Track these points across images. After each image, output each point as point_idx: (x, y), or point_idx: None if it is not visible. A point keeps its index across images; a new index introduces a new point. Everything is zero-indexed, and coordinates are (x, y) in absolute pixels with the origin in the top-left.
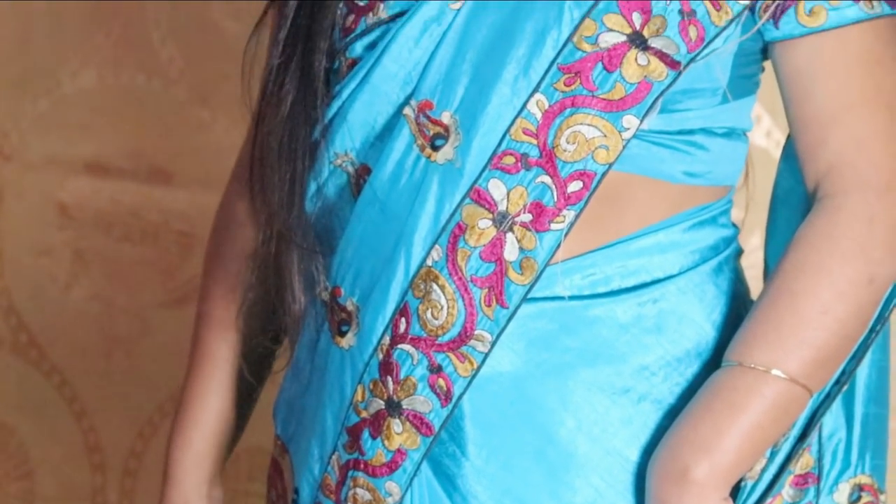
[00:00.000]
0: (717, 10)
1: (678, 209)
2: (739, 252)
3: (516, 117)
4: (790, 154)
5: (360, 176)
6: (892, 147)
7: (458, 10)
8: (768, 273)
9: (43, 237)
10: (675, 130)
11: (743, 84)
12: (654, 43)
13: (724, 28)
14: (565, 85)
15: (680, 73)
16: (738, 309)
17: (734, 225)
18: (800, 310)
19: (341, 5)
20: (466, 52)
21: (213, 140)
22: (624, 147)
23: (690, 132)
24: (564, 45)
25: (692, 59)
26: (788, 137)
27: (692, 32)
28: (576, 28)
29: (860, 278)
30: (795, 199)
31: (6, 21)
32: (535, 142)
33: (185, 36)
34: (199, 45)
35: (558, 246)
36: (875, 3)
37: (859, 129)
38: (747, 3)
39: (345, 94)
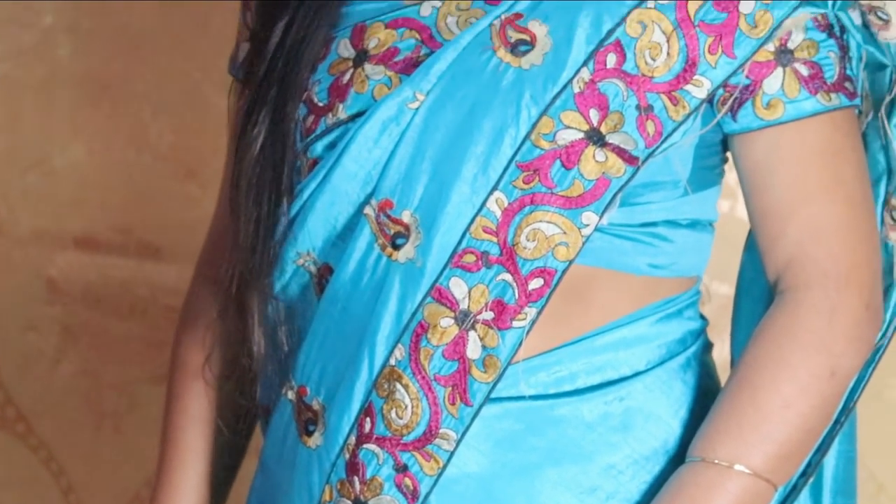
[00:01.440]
0: (675, 105)
1: (644, 302)
2: (709, 345)
3: (476, 215)
4: (752, 246)
5: (323, 275)
6: (851, 239)
7: (417, 109)
8: (733, 365)
9: (31, 312)
10: (638, 223)
11: (705, 175)
12: (612, 139)
13: (682, 122)
14: (524, 182)
15: (638, 169)
16: (706, 405)
17: (702, 317)
18: (761, 404)
19: (301, 106)
20: (425, 150)
21: (203, 215)
22: (584, 243)
23: (653, 224)
24: (522, 142)
25: (650, 154)
26: (751, 230)
27: (650, 127)
28: (533, 125)
29: (822, 372)
30: (758, 291)
31: None
32: (495, 239)
33: (175, 111)
34: (189, 120)
35: (520, 343)
36: (833, 95)
37: (818, 220)
38: (703, 97)
39: (305, 194)
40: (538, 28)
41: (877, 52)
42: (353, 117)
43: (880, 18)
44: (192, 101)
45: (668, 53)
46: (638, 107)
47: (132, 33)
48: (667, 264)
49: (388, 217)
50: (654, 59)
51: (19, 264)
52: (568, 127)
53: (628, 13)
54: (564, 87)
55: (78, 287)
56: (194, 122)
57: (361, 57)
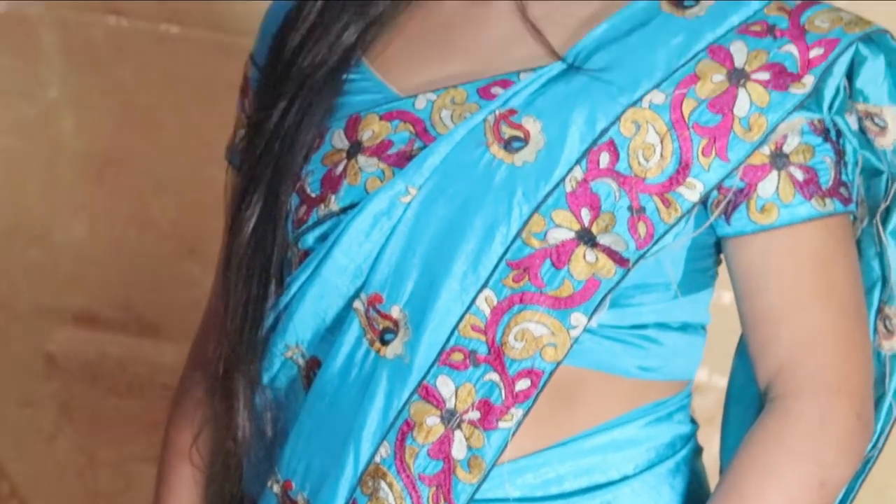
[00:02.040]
0: (667, 207)
1: (633, 405)
2: (698, 450)
3: (465, 313)
4: (743, 351)
5: (311, 369)
6: (843, 347)
7: (409, 203)
8: (721, 471)
9: (29, 387)
10: (628, 325)
11: (698, 278)
12: (603, 239)
13: (674, 225)
14: (514, 281)
15: (629, 271)
16: None
17: (693, 421)
18: None
19: (294, 196)
20: (416, 245)
21: (203, 294)
22: (572, 345)
23: (644, 326)
24: (513, 240)
25: (641, 256)
26: (742, 335)
27: (641, 229)
28: (524, 223)
29: (811, 482)
30: (748, 398)
31: (0, 169)
32: (483, 338)
33: (178, 188)
34: (192, 198)
35: (506, 445)
36: (827, 201)
37: (811, 327)
38: (696, 200)
39: (295, 286)
40: (532, 125)
41: (873, 157)
42: (345, 209)
43: (877, 125)
44: (195, 179)
45: (661, 155)
46: (630, 208)
47: (137, 109)
48: (657, 367)
49: (378, 312)
50: (647, 160)
51: (18, 339)
52: (559, 226)
53: (623, 112)
54: (557, 185)
55: (76, 363)
56: (197, 200)
57: (355, 148)
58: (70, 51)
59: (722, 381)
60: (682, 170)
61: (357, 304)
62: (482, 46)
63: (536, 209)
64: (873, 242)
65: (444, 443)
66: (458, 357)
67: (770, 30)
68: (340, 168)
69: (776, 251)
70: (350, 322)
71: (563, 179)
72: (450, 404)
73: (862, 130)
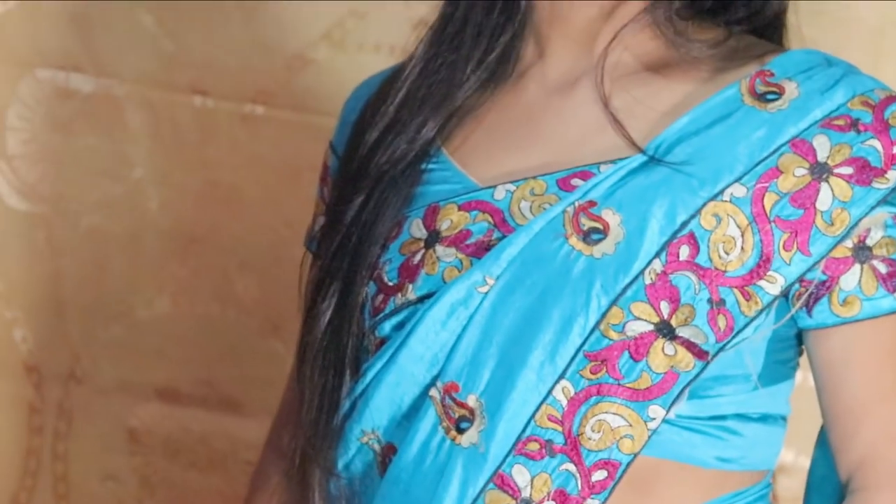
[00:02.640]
0: (747, 300)
1: (711, 495)
2: None
3: (541, 403)
4: (824, 441)
5: (386, 455)
6: None
7: (486, 293)
8: None
9: (111, 461)
10: (707, 416)
11: (778, 370)
12: (682, 332)
13: (754, 318)
14: (591, 372)
15: (707, 364)
16: None
17: None
18: None
19: (371, 284)
20: (493, 335)
21: (285, 371)
22: (650, 437)
23: (723, 417)
24: (591, 332)
25: (721, 349)
26: (822, 426)
27: (721, 322)
28: (603, 315)
29: None
30: (829, 488)
31: (85, 245)
32: (560, 428)
33: (261, 266)
34: (275, 275)
35: None
36: None
37: (892, 422)
38: (777, 293)
39: (371, 373)
40: (611, 217)
41: None
42: (422, 298)
43: None
44: (278, 257)
45: (742, 248)
46: (710, 300)
47: (221, 188)
48: (736, 458)
49: (454, 400)
50: (727, 254)
51: (101, 414)
52: (638, 318)
53: (703, 206)
54: (636, 277)
55: (158, 438)
56: (280, 278)
57: (433, 238)
58: (156, 130)
59: (807, 463)
60: (763, 263)
61: (433, 392)
62: (562, 137)
63: (615, 301)
64: None
65: None
66: (534, 447)
67: (853, 124)
68: (418, 257)
69: (858, 344)
70: (426, 410)
71: (642, 272)
72: (525, 493)
73: None
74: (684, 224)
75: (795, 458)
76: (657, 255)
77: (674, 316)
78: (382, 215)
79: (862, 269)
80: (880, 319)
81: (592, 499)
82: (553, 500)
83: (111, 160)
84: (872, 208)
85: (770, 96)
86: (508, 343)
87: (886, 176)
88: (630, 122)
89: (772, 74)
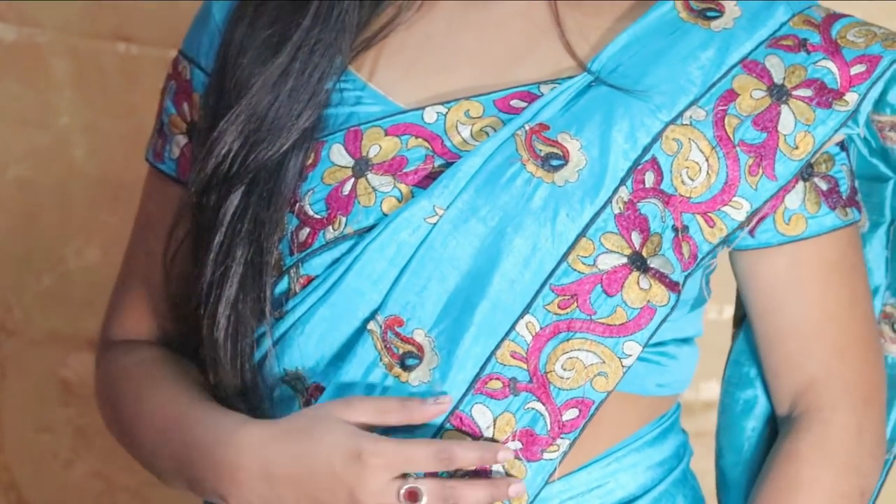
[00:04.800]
0: (711, 227)
1: (645, 421)
2: (691, 456)
3: (503, 339)
4: (740, 366)
5: (312, 395)
6: (871, 355)
7: (436, 223)
8: (728, 482)
9: (45, 413)
10: (651, 343)
11: (703, 291)
12: (653, 263)
13: (717, 245)
14: (559, 307)
15: (680, 296)
16: None
17: (683, 430)
18: None
19: (291, 217)
20: (443, 268)
21: None
22: (624, 374)
23: (664, 343)
24: (558, 264)
25: (687, 278)
26: (734, 353)
27: (685, 250)
28: (571, 247)
29: (853, 492)
30: (743, 408)
31: (13, 196)
32: (525, 366)
33: None
34: None
35: (550, 476)
36: (848, 210)
37: (842, 338)
38: (742, 219)
39: (298, 312)
40: (570, 142)
41: (882, 164)
42: (360, 232)
43: None
44: None
45: (707, 173)
46: (674, 228)
47: (148, 133)
48: (670, 382)
49: (397, 335)
50: (692, 179)
51: (34, 365)
52: (610, 251)
53: (663, 129)
54: (603, 206)
55: (92, 388)
56: None
57: (362, 165)
58: (80, 78)
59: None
60: (728, 188)
61: (372, 326)
62: (489, 55)
63: (583, 233)
64: (882, 247)
65: (482, 474)
66: (496, 385)
67: (802, 44)
68: (348, 187)
69: (803, 263)
70: (363, 346)
71: (609, 200)
72: (487, 434)
73: (868, 138)
74: (646, 149)
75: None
76: (623, 182)
77: (644, 247)
78: (285, 140)
79: (805, 188)
80: (824, 237)
81: (563, 438)
82: (518, 440)
83: (36, 109)
84: (836, 131)
85: (710, 13)
86: (462, 276)
87: (845, 98)
88: (572, 35)
89: None
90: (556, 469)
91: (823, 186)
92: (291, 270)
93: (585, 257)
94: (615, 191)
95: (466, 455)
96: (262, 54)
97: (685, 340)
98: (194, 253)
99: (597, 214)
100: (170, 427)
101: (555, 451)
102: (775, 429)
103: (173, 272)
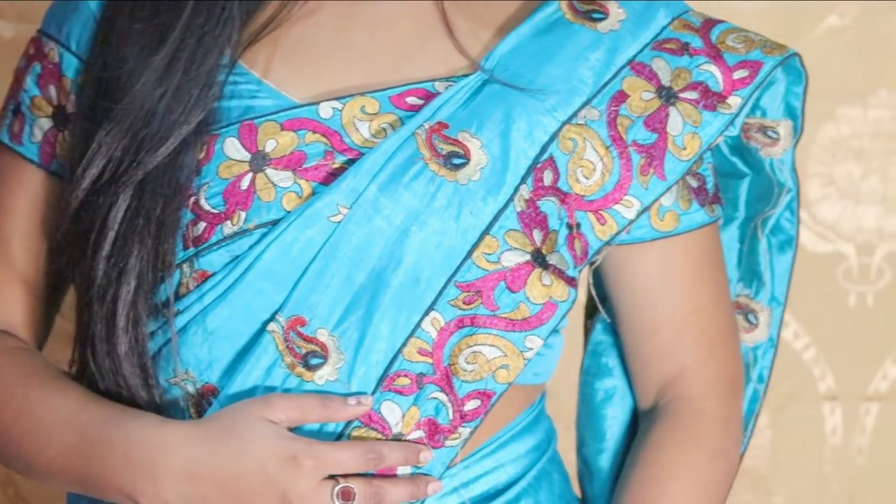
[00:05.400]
0: (602, 224)
1: (522, 408)
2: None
3: (409, 337)
4: (598, 357)
5: (203, 396)
6: (733, 346)
7: (339, 223)
8: (591, 469)
9: None
10: None
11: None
12: (551, 260)
13: (607, 242)
14: (464, 303)
15: (576, 290)
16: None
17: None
18: None
19: (187, 212)
20: (347, 267)
21: None
22: (525, 366)
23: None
24: (463, 262)
25: (578, 273)
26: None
27: (577, 246)
28: (475, 245)
29: (722, 477)
30: (597, 399)
31: None
32: (430, 360)
33: None
34: None
35: (451, 462)
36: (714, 207)
37: (710, 331)
38: (632, 217)
39: (195, 309)
40: (470, 141)
41: (740, 162)
42: (261, 227)
43: (769, 137)
44: None
45: (601, 172)
46: (568, 225)
47: None
48: (544, 371)
49: (299, 335)
50: (587, 178)
51: None
52: (514, 248)
53: (560, 129)
54: (506, 204)
55: None
56: None
57: (260, 160)
58: None
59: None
60: (620, 187)
61: (273, 327)
62: (381, 50)
63: (487, 230)
64: (735, 241)
65: (391, 468)
66: (404, 382)
67: (685, 48)
68: (247, 182)
69: (675, 257)
70: (264, 346)
71: (511, 199)
72: (396, 430)
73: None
74: (544, 147)
75: None
76: (524, 180)
77: (544, 244)
78: (177, 135)
79: (678, 185)
80: (694, 232)
81: (464, 427)
82: (421, 429)
83: None
84: (721, 133)
85: (595, 15)
86: (366, 275)
87: (728, 102)
88: (462, 35)
89: None
90: (456, 455)
91: (694, 184)
92: (184, 265)
93: (490, 254)
94: (517, 189)
95: (392, 455)
96: (145, 48)
97: (557, 330)
98: (75, 248)
99: (500, 212)
100: (59, 424)
101: (456, 439)
102: (635, 417)
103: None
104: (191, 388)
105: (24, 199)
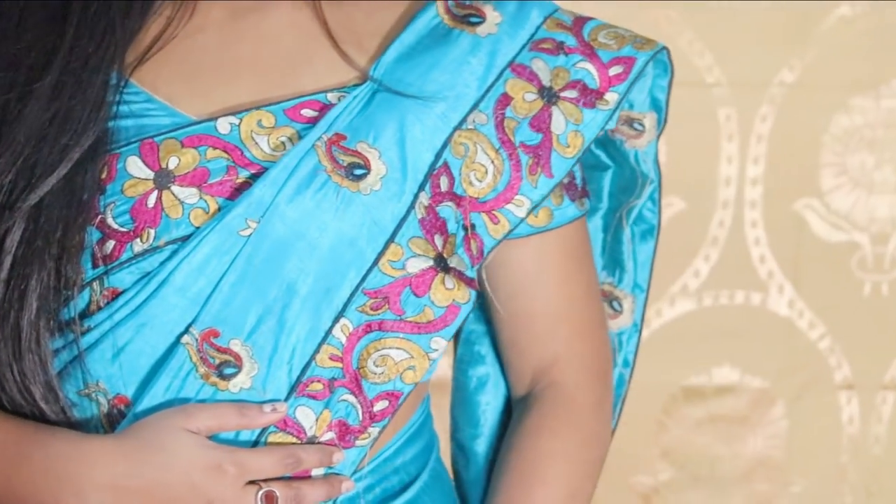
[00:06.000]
0: (495, 224)
1: (415, 407)
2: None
3: (321, 344)
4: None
5: (115, 406)
6: (604, 335)
7: (249, 236)
8: (467, 454)
9: None
10: None
11: None
12: (452, 262)
13: (500, 241)
14: (372, 309)
15: (478, 291)
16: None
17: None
18: (553, 496)
19: (93, 230)
20: (257, 279)
21: None
22: (430, 366)
23: None
24: (369, 270)
25: (477, 272)
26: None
27: (473, 247)
28: (381, 253)
29: (596, 460)
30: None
31: None
32: (340, 365)
33: None
34: None
35: (361, 461)
36: (584, 201)
37: (583, 320)
38: (523, 216)
39: (106, 325)
40: (369, 151)
41: (603, 154)
42: (171, 243)
43: (635, 129)
44: None
45: (493, 175)
46: (464, 227)
47: None
48: (431, 368)
49: (213, 346)
50: (479, 181)
51: None
52: (417, 255)
53: (451, 134)
54: (407, 212)
55: None
56: None
57: (164, 178)
58: None
59: (754, 382)
60: (511, 188)
61: (187, 339)
62: (269, 64)
63: (392, 238)
64: (598, 231)
65: (306, 470)
66: (317, 387)
67: (559, 47)
68: (153, 199)
69: (548, 251)
70: (176, 358)
71: (412, 206)
72: (310, 433)
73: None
74: (438, 154)
75: (741, 378)
76: (422, 187)
77: (445, 248)
78: (69, 159)
79: None
80: (566, 227)
81: (373, 427)
82: (333, 430)
83: None
84: (601, 129)
85: (473, 19)
86: (275, 286)
87: (605, 98)
88: (346, 46)
89: None
90: (366, 455)
91: (565, 180)
92: (94, 283)
93: (395, 262)
94: (416, 196)
95: (309, 458)
96: (31, 71)
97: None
98: None
99: (402, 220)
100: None
101: (366, 439)
102: (508, 403)
103: None
104: (102, 400)
105: None
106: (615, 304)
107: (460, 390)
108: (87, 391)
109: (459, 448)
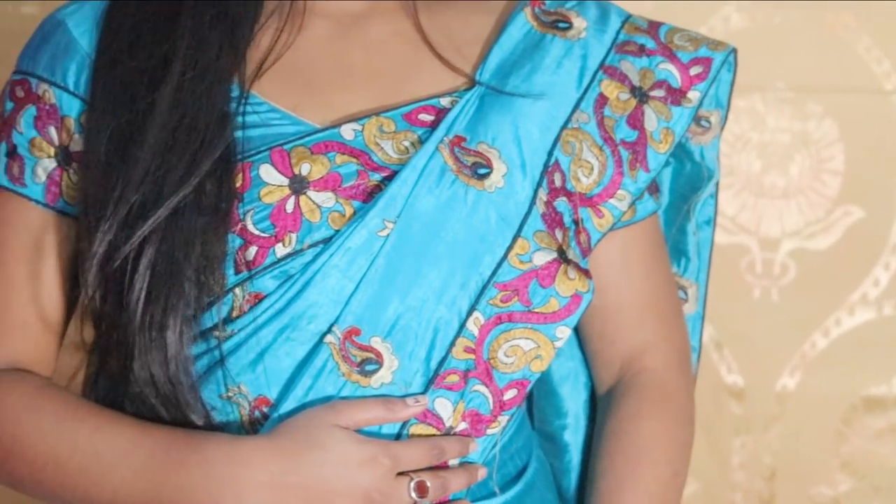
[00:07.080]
0: (600, 218)
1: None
2: None
3: (457, 337)
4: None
5: (256, 407)
6: (683, 322)
7: (387, 236)
8: (560, 444)
9: None
10: None
11: None
12: (570, 255)
13: (604, 234)
14: (502, 301)
15: (593, 282)
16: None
17: None
18: (661, 476)
19: (234, 237)
20: (395, 277)
21: None
22: (555, 354)
23: None
24: (500, 264)
25: (587, 264)
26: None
27: (583, 240)
28: (509, 248)
29: (690, 440)
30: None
31: None
32: (473, 357)
33: None
34: None
35: (493, 447)
36: (658, 196)
37: (667, 308)
38: (625, 209)
39: (249, 329)
40: (489, 151)
41: None
42: (314, 246)
43: (702, 126)
44: None
45: (598, 171)
46: (574, 221)
47: None
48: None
49: (354, 344)
50: (586, 177)
51: None
52: (542, 248)
53: (560, 134)
54: (530, 208)
55: None
56: None
57: (299, 183)
58: None
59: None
60: (614, 183)
61: (330, 339)
62: (381, 72)
63: (518, 233)
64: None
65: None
66: (453, 379)
67: (642, 49)
68: (291, 204)
69: (633, 244)
70: (320, 357)
71: (533, 202)
72: (448, 423)
73: None
74: (550, 152)
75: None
76: (540, 184)
77: (564, 241)
78: (199, 171)
79: None
80: (647, 220)
81: (503, 415)
82: (466, 420)
83: None
84: (688, 125)
85: (561, 24)
86: (412, 283)
87: (688, 96)
88: (447, 53)
89: (543, 3)
90: (496, 442)
91: None
92: (237, 289)
93: (523, 255)
94: (535, 192)
95: (451, 448)
96: (150, 85)
97: None
98: (108, 290)
99: (526, 215)
100: (121, 452)
101: (496, 427)
102: (591, 393)
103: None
104: (243, 403)
105: (28, 238)
106: (681, 292)
107: (543, 383)
108: (228, 394)
109: (547, 438)
